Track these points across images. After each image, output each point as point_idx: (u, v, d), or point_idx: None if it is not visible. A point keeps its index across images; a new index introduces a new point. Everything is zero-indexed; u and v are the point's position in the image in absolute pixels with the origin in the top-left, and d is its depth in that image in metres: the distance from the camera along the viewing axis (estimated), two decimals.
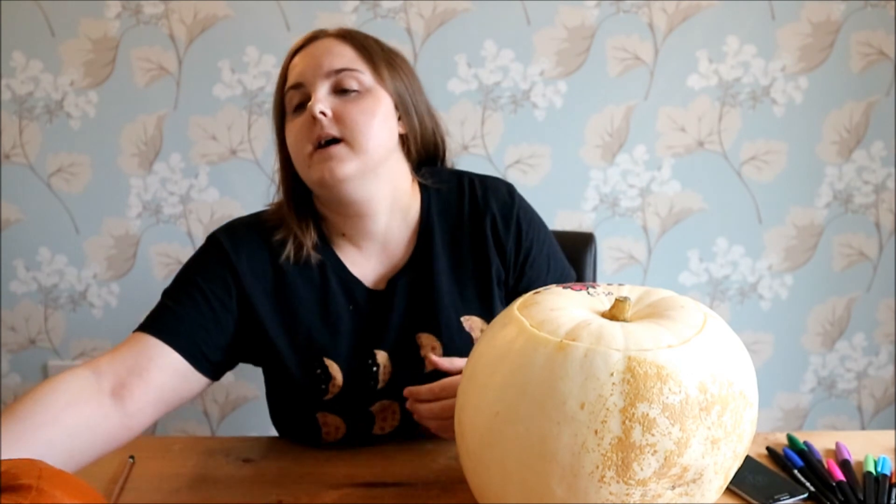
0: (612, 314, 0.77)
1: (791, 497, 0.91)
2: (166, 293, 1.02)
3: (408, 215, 1.07)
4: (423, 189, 1.09)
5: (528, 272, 1.08)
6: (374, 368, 1.02)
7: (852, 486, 0.92)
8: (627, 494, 0.68)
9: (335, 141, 0.97)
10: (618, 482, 0.68)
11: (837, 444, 1.01)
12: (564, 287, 0.83)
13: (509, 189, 1.11)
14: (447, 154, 1.15)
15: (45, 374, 1.87)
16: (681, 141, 1.76)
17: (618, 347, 0.69)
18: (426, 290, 1.05)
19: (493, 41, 1.70)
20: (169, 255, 1.80)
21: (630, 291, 0.82)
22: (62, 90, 1.71)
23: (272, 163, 1.73)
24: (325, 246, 1.05)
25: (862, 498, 0.90)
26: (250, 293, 1.01)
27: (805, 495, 0.91)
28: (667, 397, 0.67)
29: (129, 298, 1.82)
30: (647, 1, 1.68)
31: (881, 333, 1.88)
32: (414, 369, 1.02)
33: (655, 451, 0.67)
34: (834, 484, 0.92)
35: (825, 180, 1.79)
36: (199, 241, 1.79)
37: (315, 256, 1.03)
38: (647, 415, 0.66)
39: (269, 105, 1.72)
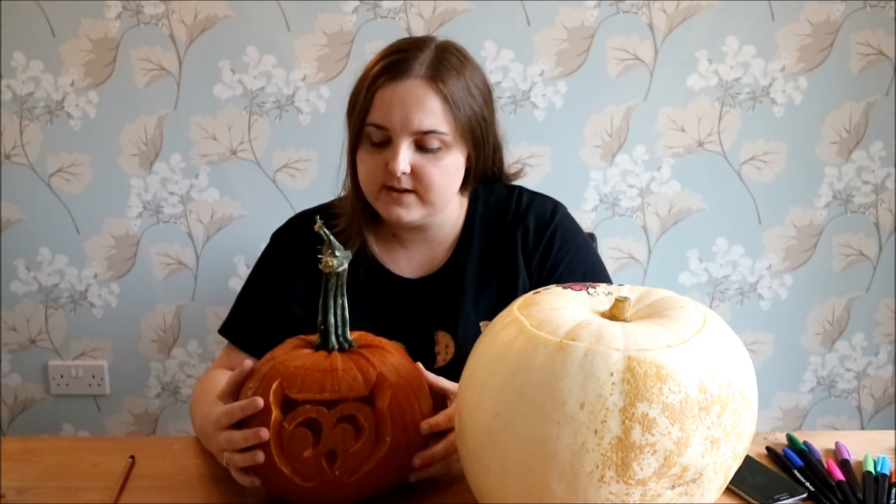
0: (612, 314, 0.77)
1: (791, 497, 0.91)
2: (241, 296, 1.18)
3: (455, 224, 1.15)
4: (473, 199, 1.16)
5: None
6: None
7: (852, 485, 0.92)
8: (627, 494, 0.68)
9: (407, 190, 1.03)
10: (618, 482, 0.68)
11: (837, 444, 1.02)
12: (564, 287, 0.83)
13: (555, 208, 1.16)
14: (503, 169, 1.21)
15: (46, 373, 1.87)
16: (680, 141, 1.76)
17: (618, 347, 0.69)
18: (452, 292, 1.12)
19: (492, 41, 1.70)
20: (169, 255, 1.80)
21: (630, 291, 0.82)
22: (63, 90, 1.71)
23: (272, 163, 1.75)
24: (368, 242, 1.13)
25: (861, 497, 0.90)
26: (292, 278, 1.13)
27: (805, 495, 0.92)
28: (667, 397, 0.67)
29: (130, 298, 1.82)
30: (647, 1, 1.68)
31: (881, 333, 1.89)
32: (426, 364, 1.07)
33: (655, 451, 0.67)
34: (833, 484, 0.92)
35: (825, 180, 1.79)
36: (200, 240, 1.80)
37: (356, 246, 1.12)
38: (647, 414, 0.67)
39: (269, 105, 1.72)
